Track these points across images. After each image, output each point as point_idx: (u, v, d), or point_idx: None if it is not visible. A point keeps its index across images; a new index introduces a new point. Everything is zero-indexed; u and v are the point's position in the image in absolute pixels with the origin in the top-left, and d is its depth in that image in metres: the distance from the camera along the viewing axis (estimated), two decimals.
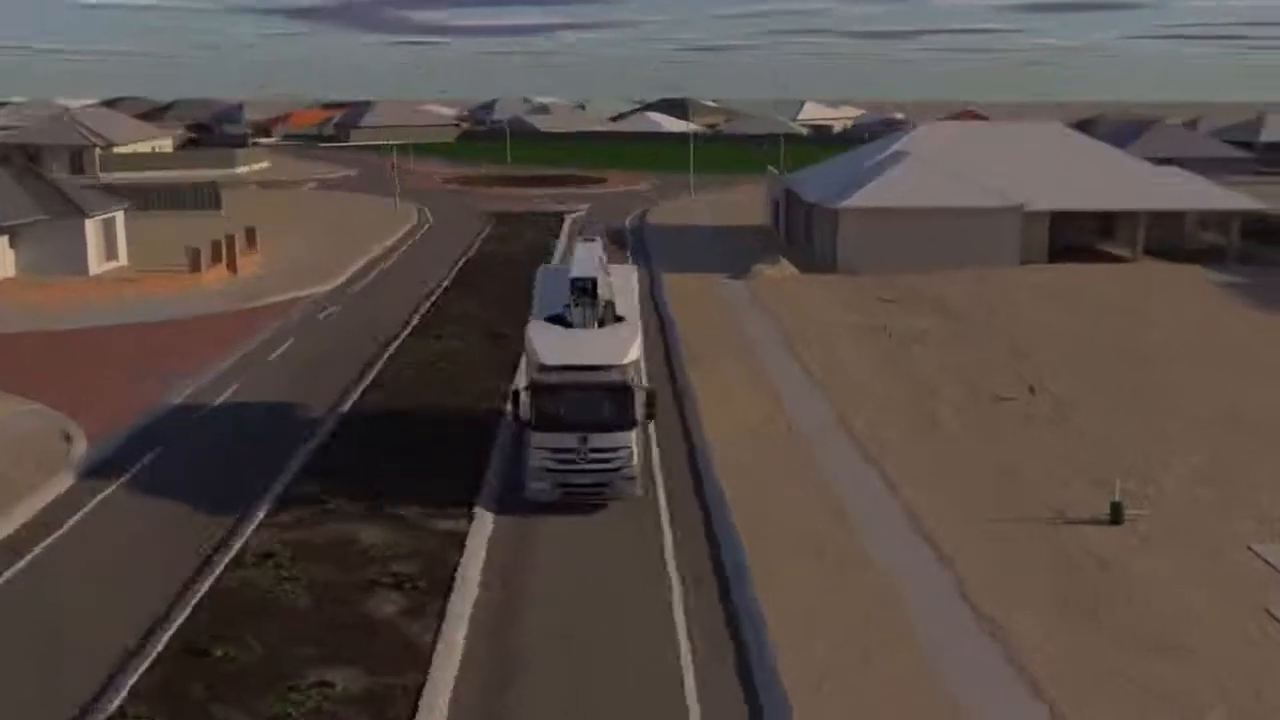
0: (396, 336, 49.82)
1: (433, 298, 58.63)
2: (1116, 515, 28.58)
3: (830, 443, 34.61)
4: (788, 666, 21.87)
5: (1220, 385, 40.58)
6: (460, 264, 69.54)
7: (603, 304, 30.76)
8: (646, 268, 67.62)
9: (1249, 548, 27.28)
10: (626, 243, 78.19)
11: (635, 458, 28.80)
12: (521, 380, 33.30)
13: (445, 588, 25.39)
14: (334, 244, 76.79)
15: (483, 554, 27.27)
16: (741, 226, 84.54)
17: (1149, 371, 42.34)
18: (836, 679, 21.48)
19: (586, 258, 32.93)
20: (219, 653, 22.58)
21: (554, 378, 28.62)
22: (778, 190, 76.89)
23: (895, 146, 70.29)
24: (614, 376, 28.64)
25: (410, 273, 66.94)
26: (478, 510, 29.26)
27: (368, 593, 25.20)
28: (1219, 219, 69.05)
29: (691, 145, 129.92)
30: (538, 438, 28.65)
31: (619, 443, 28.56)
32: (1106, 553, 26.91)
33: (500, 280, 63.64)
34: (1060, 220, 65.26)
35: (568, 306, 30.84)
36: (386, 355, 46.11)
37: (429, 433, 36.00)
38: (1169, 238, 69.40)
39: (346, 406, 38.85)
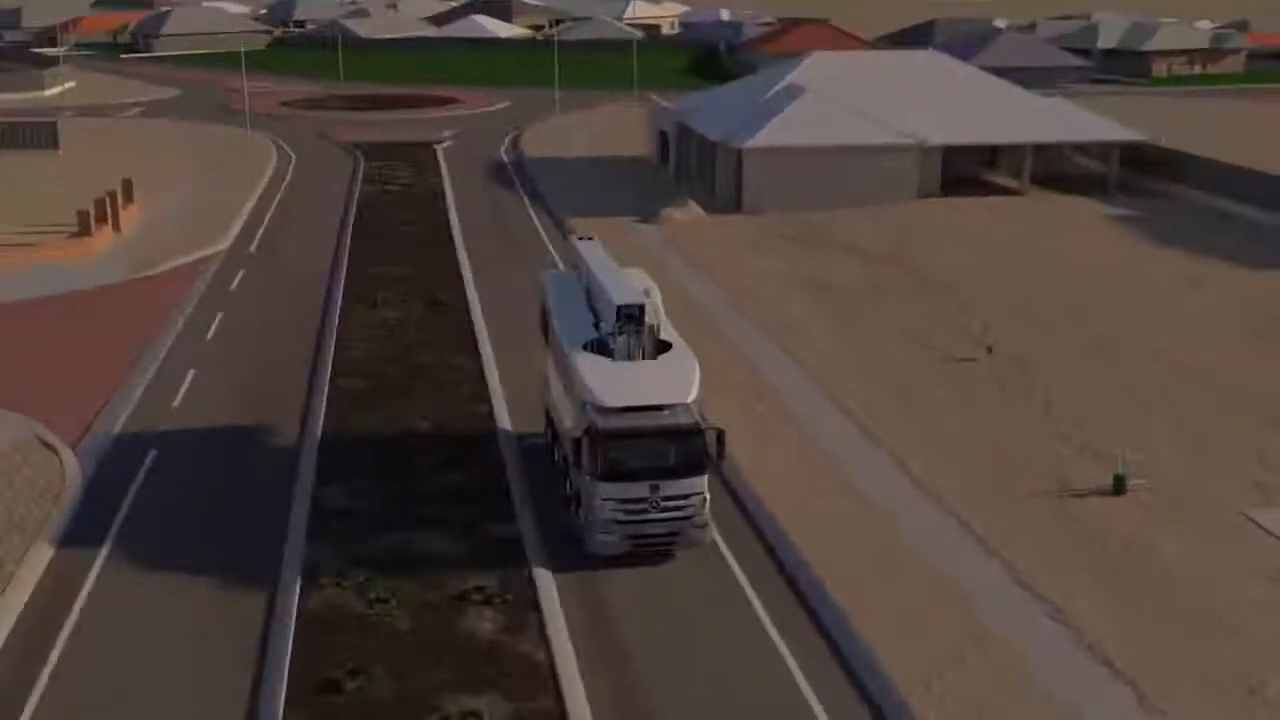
0: (328, 305, 49.02)
1: (344, 255, 57.46)
2: (1119, 487, 30.81)
3: (828, 424, 35.90)
4: (894, 667, 23.30)
5: (1155, 337, 43.47)
6: (351, 212, 68.16)
7: (649, 331, 28.55)
8: (546, 210, 67.49)
9: (1243, 514, 29.71)
10: (513, 181, 77.54)
11: (707, 504, 27.27)
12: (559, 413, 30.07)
13: (530, 603, 26.00)
14: (205, 190, 74.07)
15: (547, 559, 27.81)
16: (623, 158, 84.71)
17: (1088, 325, 44.98)
18: (941, 680, 22.95)
19: (622, 279, 30.58)
20: (352, 685, 22.99)
21: (618, 422, 26.45)
22: (667, 122, 77.17)
23: (788, 79, 71.24)
24: (683, 418, 26.76)
25: (303, 224, 65.38)
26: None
27: (460, 610, 25.66)
28: (1099, 147, 72.28)
29: (556, 59, 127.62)
30: (604, 488, 26.49)
31: (692, 489, 26.77)
32: (1123, 528, 29.18)
33: (403, 232, 62.79)
34: (950, 153, 67.52)
35: (612, 335, 28.35)
36: (334, 331, 45.29)
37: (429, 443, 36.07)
38: (1049, 165, 72.61)
39: (324, 397, 38.37)
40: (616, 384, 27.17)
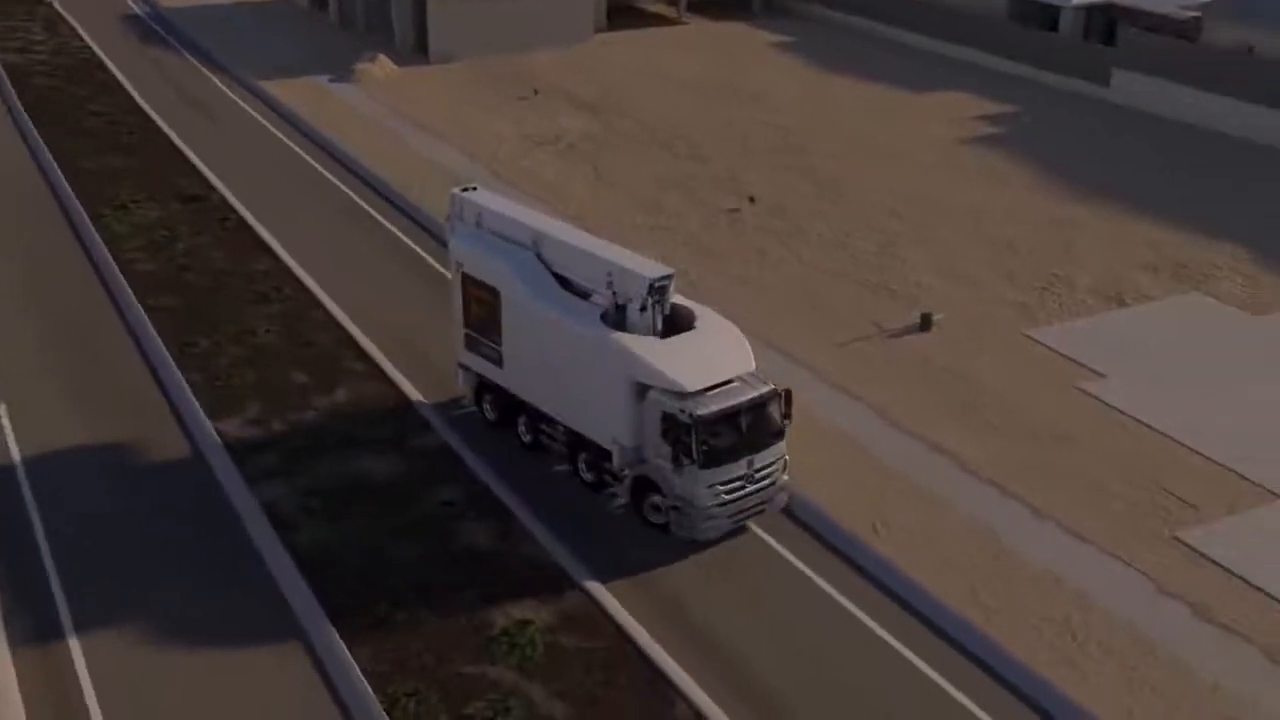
0: (66, 208, 46.96)
1: (40, 146, 53.77)
2: (926, 324, 36.68)
3: None
4: (839, 516, 28.16)
5: (873, 172, 49.64)
6: (8, 89, 62.85)
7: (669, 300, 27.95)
8: (226, 73, 65.24)
9: (1024, 334, 36.42)
10: (164, 38, 73.42)
11: (787, 466, 27.96)
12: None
13: (501, 509, 28.83)
14: None
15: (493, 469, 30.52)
16: (269, 1, 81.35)
17: (809, 162, 50.56)
18: (886, 522, 28.05)
19: (599, 242, 29.77)
20: (400, 617, 25.23)
21: (711, 405, 26.19)
22: None
23: None
24: (760, 387, 27.08)
25: None
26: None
27: (448, 526, 28.17)
28: None
29: None
30: (707, 475, 26.22)
31: (778, 454, 27.40)
32: (943, 359, 35.16)
33: (88, 113, 58.82)
34: None
35: (642, 308, 27.31)
36: (98, 240, 43.54)
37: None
38: None
39: (145, 321, 37.90)
40: (686, 365, 26.69)
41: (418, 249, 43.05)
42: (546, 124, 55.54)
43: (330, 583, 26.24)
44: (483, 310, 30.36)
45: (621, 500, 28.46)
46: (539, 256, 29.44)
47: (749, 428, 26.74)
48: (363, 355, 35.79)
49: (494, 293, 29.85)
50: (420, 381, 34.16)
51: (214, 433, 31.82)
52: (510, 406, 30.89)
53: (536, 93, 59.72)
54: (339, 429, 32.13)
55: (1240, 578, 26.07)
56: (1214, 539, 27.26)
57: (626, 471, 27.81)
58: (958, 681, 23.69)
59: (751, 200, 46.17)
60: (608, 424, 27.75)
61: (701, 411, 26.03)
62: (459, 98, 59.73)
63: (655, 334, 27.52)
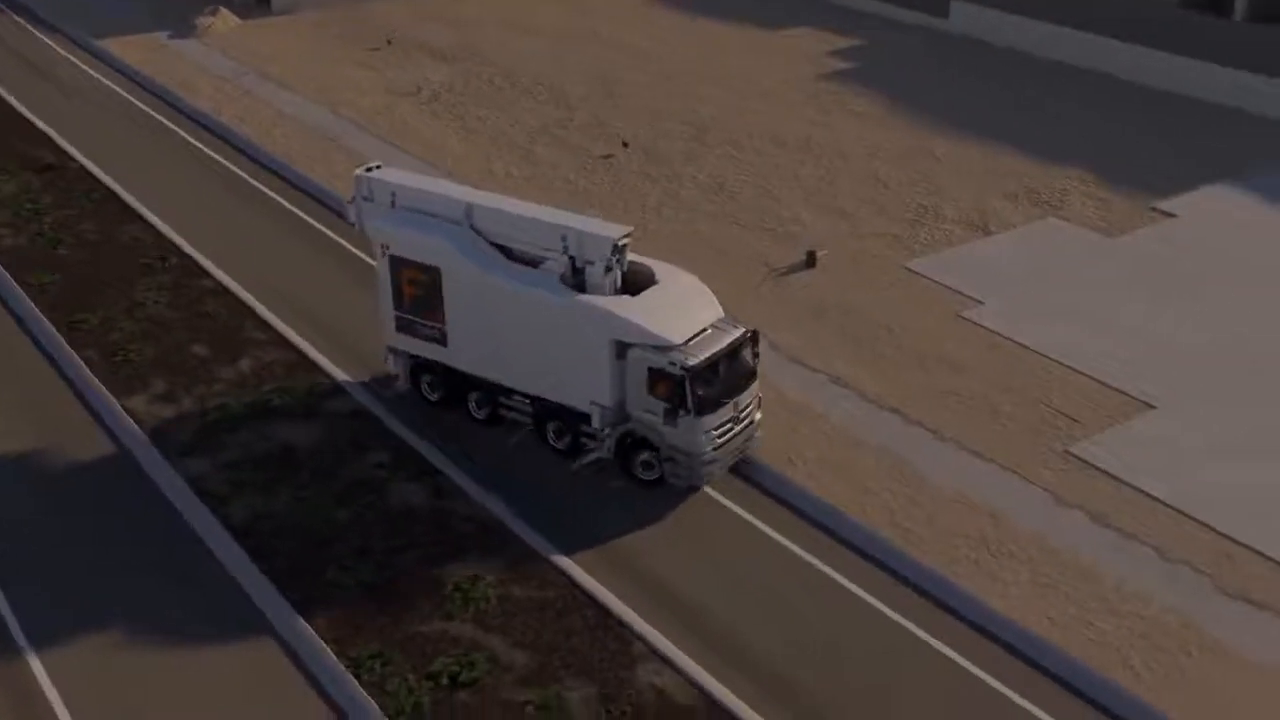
0: None
1: None
2: (811, 261, 38.23)
3: None
4: (757, 451, 29.55)
5: (740, 112, 50.67)
6: None
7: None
8: (61, 34, 62.76)
9: (904, 267, 38.29)
10: None
11: (760, 405, 29.16)
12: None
13: (430, 468, 29.49)
14: None
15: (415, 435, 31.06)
16: None
17: (676, 105, 51.31)
18: (802, 455, 29.56)
19: (543, 209, 29.81)
20: (349, 582, 25.82)
21: (699, 355, 26.98)
22: None
23: None
24: (733, 331, 28.04)
25: None
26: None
27: (383, 488, 28.74)
28: None
29: None
30: (703, 423, 27.10)
31: (754, 394, 28.60)
32: (830, 296, 36.77)
33: None
34: None
35: (606, 269, 27.78)
36: None
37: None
38: None
39: (26, 300, 37.10)
40: (666, 319, 27.40)
41: (295, 209, 42.79)
42: (405, 75, 55.14)
43: (274, 554, 26.64)
44: (419, 291, 29.67)
45: (592, 459, 28.73)
46: (473, 228, 29.08)
47: (731, 371, 27.72)
48: (261, 323, 35.65)
49: (432, 271, 29.26)
50: (323, 344, 34.32)
51: (123, 413, 31.52)
52: (458, 385, 30.51)
53: (389, 42, 59.11)
54: (251, 399, 32.11)
55: (1128, 484, 28.40)
56: (1100, 450, 29.55)
57: (608, 431, 28.16)
58: (892, 602, 25.42)
59: (625, 145, 46.91)
60: (584, 387, 27.95)
61: (692, 362, 26.77)
62: (308, 50, 58.74)
63: (617, 293, 27.95)
